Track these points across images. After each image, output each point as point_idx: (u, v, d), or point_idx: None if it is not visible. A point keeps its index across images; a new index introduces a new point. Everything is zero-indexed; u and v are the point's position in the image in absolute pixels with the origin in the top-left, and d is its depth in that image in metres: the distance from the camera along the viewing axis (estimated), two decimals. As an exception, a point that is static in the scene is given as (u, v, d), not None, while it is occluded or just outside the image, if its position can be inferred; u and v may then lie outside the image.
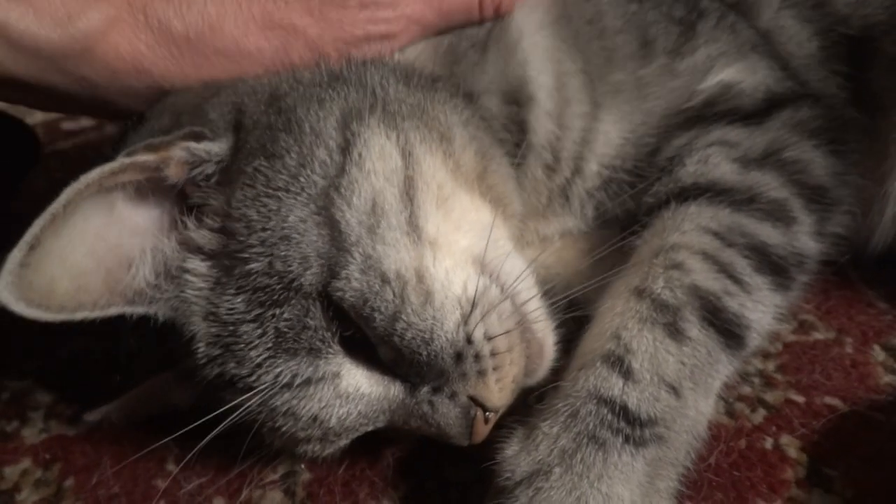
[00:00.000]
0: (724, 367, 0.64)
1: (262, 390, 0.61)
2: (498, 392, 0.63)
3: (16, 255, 0.55)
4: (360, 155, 0.63)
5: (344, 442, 0.66)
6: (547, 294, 0.79)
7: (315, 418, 0.62)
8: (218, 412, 0.61)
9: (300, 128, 0.64)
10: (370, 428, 0.65)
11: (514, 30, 0.77)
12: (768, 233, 0.68)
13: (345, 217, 0.60)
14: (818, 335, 0.78)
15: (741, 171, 0.72)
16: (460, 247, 0.65)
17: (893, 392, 0.71)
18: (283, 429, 0.63)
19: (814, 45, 0.79)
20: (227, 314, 0.62)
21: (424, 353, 0.61)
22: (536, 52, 0.76)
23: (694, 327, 0.63)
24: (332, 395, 0.62)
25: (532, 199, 0.80)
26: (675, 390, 0.61)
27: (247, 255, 0.61)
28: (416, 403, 0.63)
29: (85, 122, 1.43)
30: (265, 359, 0.61)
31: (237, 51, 0.70)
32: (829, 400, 0.71)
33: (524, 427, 0.62)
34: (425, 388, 0.63)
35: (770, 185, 0.71)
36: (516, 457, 0.60)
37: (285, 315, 0.60)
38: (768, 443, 0.68)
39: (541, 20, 0.77)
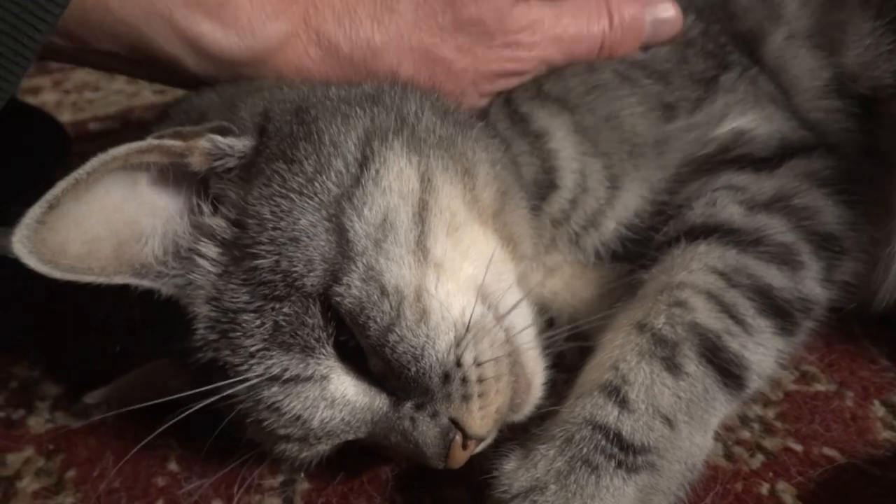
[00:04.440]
0: (720, 405, 0.65)
1: (251, 379, 0.62)
2: (480, 419, 0.64)
3: (35, 211, 0.57)
4: (377, 171, 0.65)
5: (324, 447, 0.67)
6: (551, 322, 0.81)
7: (298, 417, 0.63)
8: (205, 390, 0.63)
9: (320, 138, 0.66)
10: (351, 437, 0.66)
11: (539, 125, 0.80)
12: (774, 275, 0.70)
13: (353, 227, 0.62)
14: (819, 386, 0.79)
15: (748, 213, 0.73)
16: (465, 274, 0.66)
17: (891, 447, 0.71)
18: (266, 423, 0.64)
19: (824, 89, 0.81)
20: (230, 301, 0.63)
21: (413, 368, 0.62)
22: (566, 148, 0.79)
23: (692, 363, 0.65)
24: (318, 397, 0.63)
25: (543, 240, 0.82)
26: (669, 421, 0.62)
27: (256, 251, 0.63)
28: (398, 418, 0.64)
29: (112, 123, 1.46)
30: (259, 349, 0.62)
31: (390, 74, 0.76)
32: (827, 451, 0.71)
33: (522, 448, 0.64)
34: (409, 404, 0.64)
35: (777, 228, 0.72)
36: (514, 472, 0.61)
37: (285, 310, 0.62)
38: (764, 488, 0.68)
39: (565, 122, 0.80)
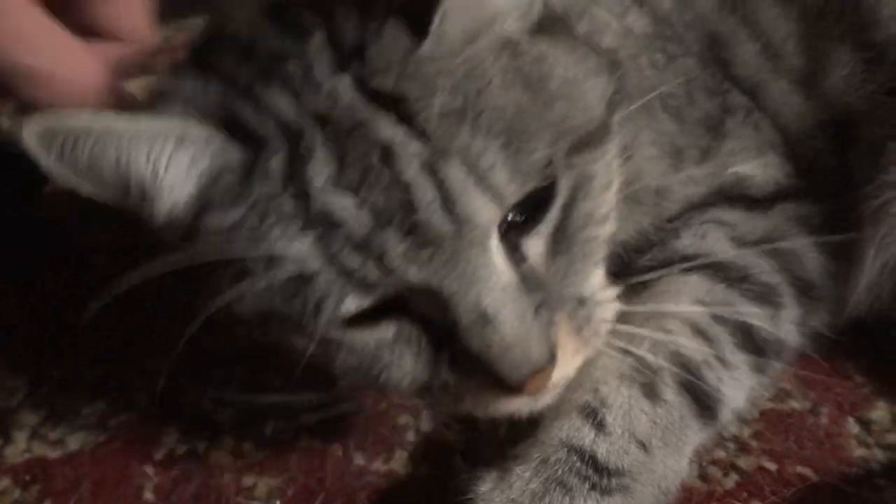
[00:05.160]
0: (694, 434, 0.66)
1: None
2: (570, 357, 0.59)
3: None
4: None
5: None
6: None
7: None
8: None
9: None
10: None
11: None
12: (756, 315, 0.72)
13: None
14: (795, 404, 0.79)
15: (737, 251, 0.75)
16: None
17: (865, 466, 0.72)
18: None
19: (813, 129, 0.82)
20: None
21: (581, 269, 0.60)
22: None
23: (670, 391, 0.66)
24: None
25: None
26: (644, 446, 0.63)
27: None
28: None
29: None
30: None
31: None
32: (801, 469, 0.72)
33: (499, 469, 0.64)
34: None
35: (764, 268, 0.74)
36: (490, 493, 0.62)
37: None
38: (738, 509, 0.69)
39: None
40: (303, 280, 0.53)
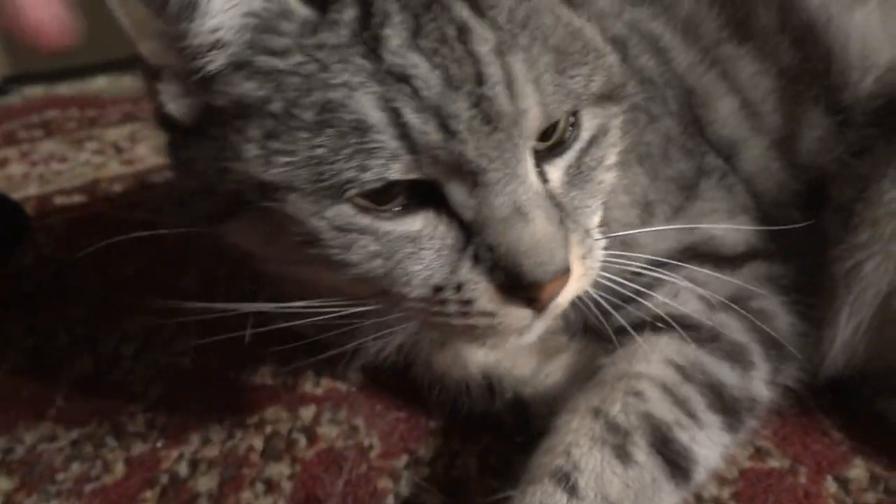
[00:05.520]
0: (667, 496, 0.66)
1: None
2: (576, 277, 0.60)
3: None
4: None
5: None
6: (491, 389, 0.82)
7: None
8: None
9: None
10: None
11: None
12: (726, 373, 0.72)
13: None
14: (774, 463, 0.79)
15: (708, 310, 0.76)
16: None
17: (843, 526, 0.72)
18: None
19: (788, 196, 0.85)
20: None
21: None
22: None
23: (642, 452, 0.66)
24: None
25: None
26: None
27: None
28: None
29: (78, 195, 1.46)
30: None
31: None
32: (780, 531, 0.72)
33: None
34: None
35: (733, 328, 0.75)
36: None
37: None
38: (718, 571, 0.69)
39: None
40: (357, 132, 0.53)
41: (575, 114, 0.61)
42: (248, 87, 0.56)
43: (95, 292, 1.12)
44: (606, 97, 0.63)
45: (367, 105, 0.53)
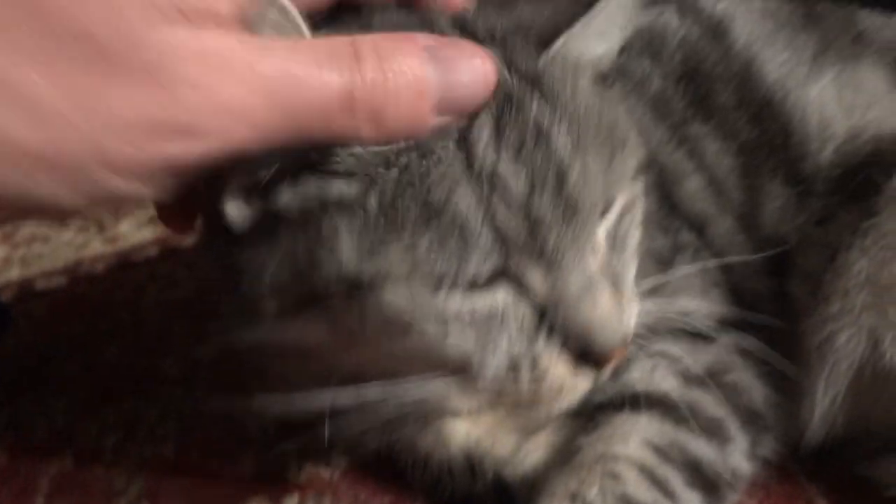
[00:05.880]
0: None
1: None
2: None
3: None
4: None
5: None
6: (473, 470, 0.81)
7: None
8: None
9: None
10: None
11: None
12: (704, 449, 0.72)
13: None
14: (761, 536, 0.79)
15: (683, 386, 0.76)
16: None
17: None
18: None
19: (751, 260, 0.85)
20: None
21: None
22: None
23: None
24: None
25: None
26: None
27: None
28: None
29: (59, 278, 1.46)
30: None
31: None
32: None
33: None
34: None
35: (709, 402, 0.75)
36: None
37: None
38: None
39: None
40: (454, 228, 0.55)
41: None
42: (338, 185, 0.56)
43: (76, 379, 1.11)
44: (638, 173, 0.67)
45: (465, 205, 0.55)
